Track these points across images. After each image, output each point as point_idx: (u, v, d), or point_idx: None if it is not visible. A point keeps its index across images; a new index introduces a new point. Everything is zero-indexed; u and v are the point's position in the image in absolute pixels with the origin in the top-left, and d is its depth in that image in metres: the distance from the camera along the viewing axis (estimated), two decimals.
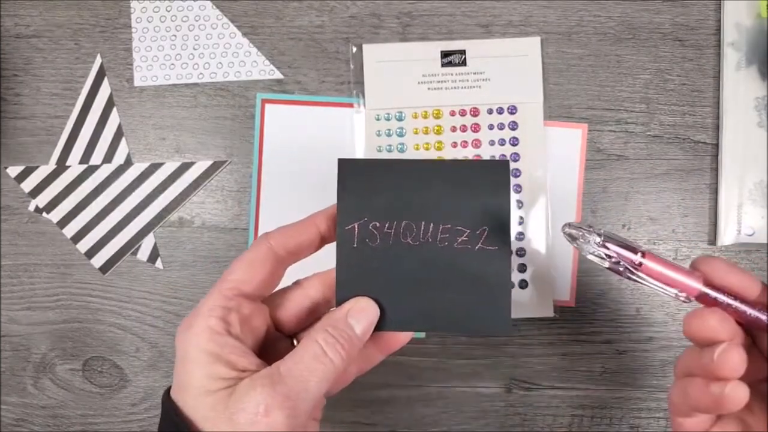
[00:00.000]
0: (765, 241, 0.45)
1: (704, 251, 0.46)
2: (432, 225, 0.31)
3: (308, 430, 0.32)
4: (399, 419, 0.46)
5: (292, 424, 0.27)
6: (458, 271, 0.31)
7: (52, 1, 0.47)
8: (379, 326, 0.31)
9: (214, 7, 0.46)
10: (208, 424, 0.27)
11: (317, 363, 0.28)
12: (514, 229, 0.45)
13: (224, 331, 0.29)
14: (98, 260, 0.46)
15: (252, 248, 0.32)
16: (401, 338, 0.33)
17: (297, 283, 0.33)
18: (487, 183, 0.31)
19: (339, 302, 0.31)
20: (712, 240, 0.46)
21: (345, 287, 0.31)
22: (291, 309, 0.33)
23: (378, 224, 0.31)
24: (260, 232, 0.46)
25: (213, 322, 0.29)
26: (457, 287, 0.31)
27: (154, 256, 0.46)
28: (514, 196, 0.45)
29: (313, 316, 0.33)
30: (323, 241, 0.33)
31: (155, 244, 0.46)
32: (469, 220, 0.31)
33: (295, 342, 0.34)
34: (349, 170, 0.31)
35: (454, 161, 0.33)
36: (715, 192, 0.46)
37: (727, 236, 0.45)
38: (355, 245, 0.31)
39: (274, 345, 0.32)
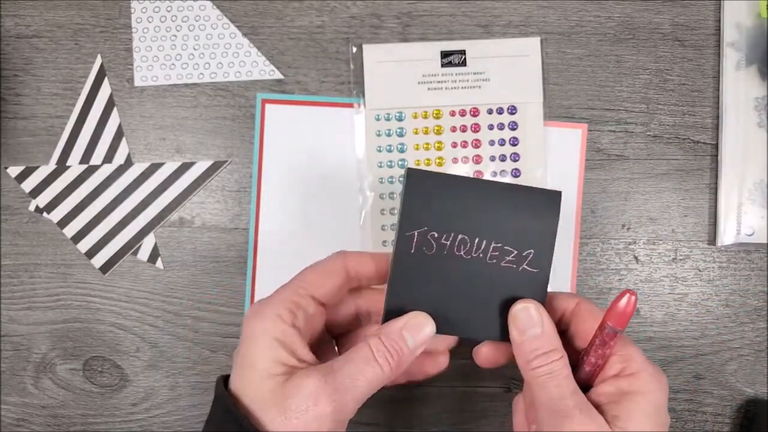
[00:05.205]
0: (765, 241, 0.45)
1: (704, 251, 0.46)
2: (485, 242, 0.33)
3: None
4: (399, 419, 0.46)
5: (336, 418, 0.30)
6: (500, 286, 0.33)
7: (53, 1, 0.47)
8: None
9: (214, 7, 0.46)
10: (265, 407, 0.30)
11: (366, 365, 0.31)
12: None
13: (290, 322, 0.32)
14: (99, 260, 0.46)
15: (328, 260, 0.35)
16: (440, 363, 0.37)
17: (348, 292, 0.36)
18: (538, 209, 0.33)
19: (390, 296, 0.33)
20: (712, 240, 0.46)
21: (396, 285, 0.33)
22: (339, 314, 0.36)
23: (436, 234, 0.33)
24: (260, 232, 0.46)
25: (283, 312, 0.32)
26: (498, 301, 0.33)
27: (154, 256, 0.46)
28: None
29: (357, 322, 0.37)
30: (381, 279, 0.36)
31: (155, 244, 0.46)
32: (518, 241, 0.33)
33: (334, 344, 0.38)
34: (417, 180, 0.33)
35: (512, 185, 0.37)
36: (714, 192, 0.46)
37: (726, 236, 0.45)
38: (413, 251, 0.33)
39: (321, 342, 0.36)
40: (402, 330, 0.32)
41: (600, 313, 0.33)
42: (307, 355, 0.32)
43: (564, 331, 0.35)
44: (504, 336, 0.33)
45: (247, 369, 0.31)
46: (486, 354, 0.35)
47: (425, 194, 0.33)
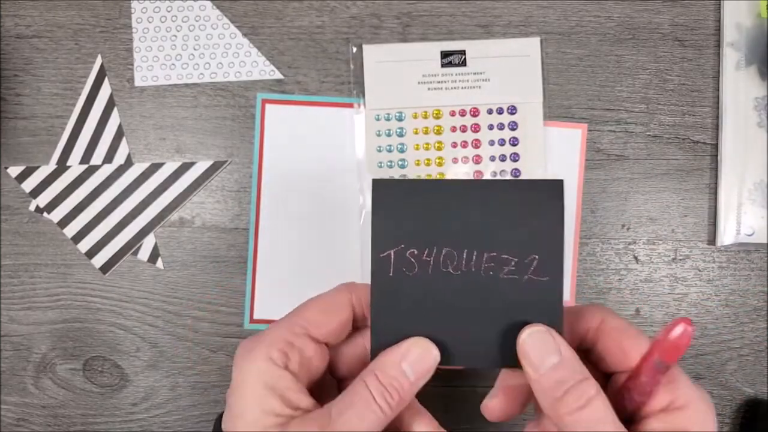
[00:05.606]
0: (765, 241, 0.45)
1: (703, 251, 0.46)
2: (475, 253, 0.28)
3: None
4: None
5: None
6: (504, 303, 0.28)
7: (53, 1, 0.47)
8: None
9: (214, 7, 0.46)
10: None
11: (367, 410, 0.27)
12: None
13: (283, 364, 0.28)
14: (99, 260, 0.46)
15: (333, 292, 0.31)
16: None
17: (356, 330, 0.32)
18: (537, 205, 0.28)
19: (374, 331, 0.29)
20: (712, 240, 0.46)
21: (379, 317, 0.29)
22: (345, 354, 0.32)
23: (416, 251, 0.28)
24: (260, 232, 0.46)
25: (274, 353, 0.28)
26: (503, 321, 0.28)
27: (154, 256, 0.46)
28: None
29: (365, 363, 0.32)
30: None
31: (156, 244, 0.46)
32: (517, 247, 0.28)
33: (337, 389, 0.33)
34: (385, 191, 0.28)
35: (500, 180, 0.31)
36: (714, 192, 0.46)
37: (726, 236, 0.45)
38: (391, 274, 0.28)
39: (323, 385, 0.32)
40: (401, 363, 0.28)
41: (630, 329, 0.28)
42: (304, 401, 0.28)
43: (587, 351, 0.30)
44: (516, 361, 0.28)
45: (238, 418, 0.28)
46: (494, 408, 0.31)
47: (397, 206, 0.28)
